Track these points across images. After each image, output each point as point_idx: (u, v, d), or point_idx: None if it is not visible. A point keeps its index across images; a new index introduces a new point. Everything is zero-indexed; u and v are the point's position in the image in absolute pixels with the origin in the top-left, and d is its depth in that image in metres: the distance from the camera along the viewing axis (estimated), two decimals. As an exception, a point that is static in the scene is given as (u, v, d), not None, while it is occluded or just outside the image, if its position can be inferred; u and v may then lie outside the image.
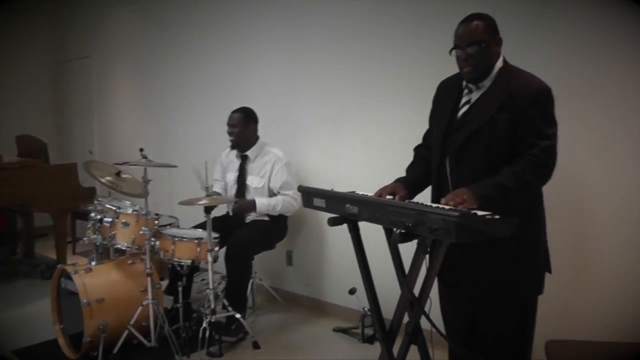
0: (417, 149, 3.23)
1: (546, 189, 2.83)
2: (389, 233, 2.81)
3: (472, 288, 2.90)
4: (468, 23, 2.79)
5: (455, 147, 2.83)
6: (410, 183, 3.02)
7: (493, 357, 2.90)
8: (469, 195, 2.49)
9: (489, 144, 2.72)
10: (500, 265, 2.76)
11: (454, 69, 2.93)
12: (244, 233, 4.81)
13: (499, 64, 2.81)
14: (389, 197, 2.85)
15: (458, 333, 3.10)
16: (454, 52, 2.84)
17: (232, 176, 5.17)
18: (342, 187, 3.11)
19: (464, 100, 2.88)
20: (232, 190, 5.15)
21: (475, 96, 2.84)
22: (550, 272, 2.93)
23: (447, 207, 2.45)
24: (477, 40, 2.75)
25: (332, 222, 2.94)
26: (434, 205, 2.54)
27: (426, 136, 3.21)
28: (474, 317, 3.01)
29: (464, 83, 2.89)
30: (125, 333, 4.18)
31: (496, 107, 2.71)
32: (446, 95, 3.01)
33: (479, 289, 2.87)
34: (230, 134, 5.04)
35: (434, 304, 2.76)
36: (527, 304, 2.89)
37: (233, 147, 5.10)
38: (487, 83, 2.81)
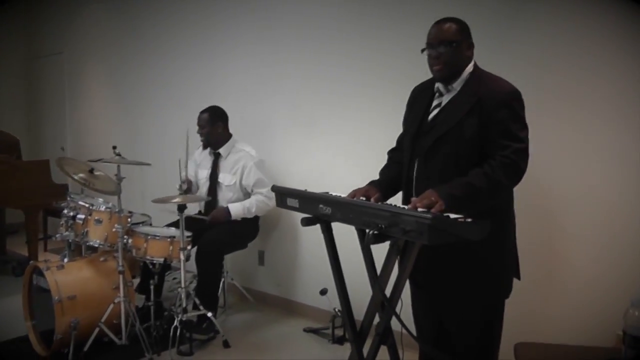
0: (391, 152, 3.26)
1: (517, 193, 2.87)
2: (361, 234, 2.85)
3: (440, 290, 2.94)
4: (441, 24, 2.85)
5: (423, 150, 2.85)
6: (384, 185, 3.04)
7: (460, 357, 2.94)
8: (436, 196, 2.52)
9: (456, 148, 2.75)
10: (467, 268, 2.79)
11: (428, 74, 2.97)
12: (216, 232, 4.82)
13: (470, 68, 2.85)
14: (362, 199, 2.88)
15: (428, 334, 3.13)
16: (426, 52, 2.88)
17: (204, 173, 5.19)
18: (315, 188, 3.14)
19: (434, 103, 2.92)
20: (205, 187, 5.17)
21: (445, 99, 2.87)
22: (519, 278, 2.98)
23: (419, 209, 2.49)
24: (448, 40, 2.79)
25: (305, 222, 2.97)
26: (407, 207, 2.58)
27: (400, 139, 3.23)
28: (442, 318, 3.05)
29: (436, 86, 2.93)
30: (97, 330, 4.18)
31: (465, 111, 2.74)
32: (419, 99, 3.04)
33: (446, 292, 2.91)
34: (200, 134, 5.10)
35: (404, 305, 2.79)
36: (492, 306, 2.91)
37: (204, 146, 5.16)
38: (457, 87, 2.84)
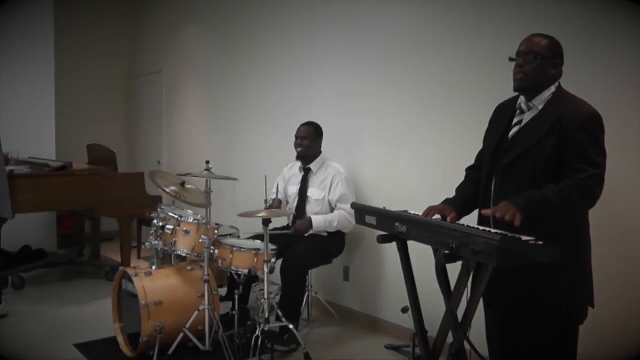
0: (469, 169, 3.26)
1: (592, 216, 2.82)
2: (436, 253, 2.85)
3: (513, 312, 2.90)
4: (533, 36, 2.86)
5: (501, 168, 2.85)
6: (459, 203, 3.05)
7: None
8: (514, 209, 2.50)
9: (534, 167, 2.73)
10: (540, 291, 2.75)
11: (512, 93, 2.98)
12: (301, 247, 4.87)
13: (553, 88, 2.83)
14: (436, 216, 2.88)
15: (500, 357, 3.10)
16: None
17: (294, 188, 5.26)
18: (398, 206, 3.16)
19: (515, 120, 2.91)
20: (294, 202, 5.23)
21: (526, 118, 2.86)
22: (592, 306, 2.90)
23: (492, 230, 2.48)
24: (534, 51, 2.80)
25: (381, 240, 3.01)
26: (480, 227, 2.57)
27: (479, 156, 3.22)
28: (515, 342, 3.00)
29: (518, 103, 2.92)
30: (181, 335, 4.30)
31: (545, 130, 2.72)
32: (501, 116, 3.04)
33: (518, 314, 2.87)
34: (299, 145, 5.16)
35: (476, 326, 2.77)
36: (565, 331, 2.86)
37: (299, 157, 5.20)
38: (539, 105, 2.82)
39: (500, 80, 3.81)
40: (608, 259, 3.41)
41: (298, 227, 4.96)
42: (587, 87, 3.28)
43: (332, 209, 5.09)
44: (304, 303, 5.09)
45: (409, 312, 4.42)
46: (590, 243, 2.88)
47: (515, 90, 2.89)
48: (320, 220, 4.98)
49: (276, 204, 5.13)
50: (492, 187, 2.89)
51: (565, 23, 3.72)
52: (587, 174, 2.61)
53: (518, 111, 2.91)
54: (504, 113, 3.02)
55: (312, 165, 5.18)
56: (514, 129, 2.89)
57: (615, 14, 3.54)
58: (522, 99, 2.91)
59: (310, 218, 4.99)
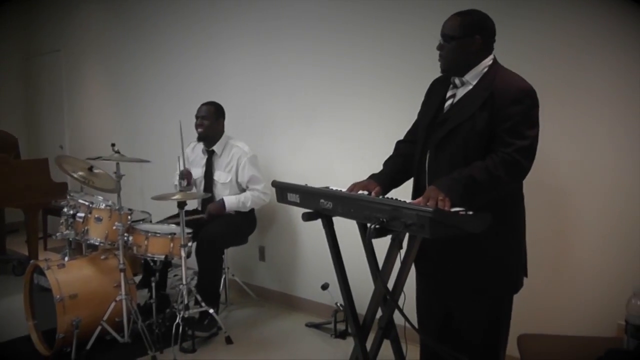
0: (399, 143, 3.23)
1: (527, 185, 2.87)
2: (363, 228, 2.86)
3: (448, 281, 2.93)
4: (449, 19, 2.86)
5: (435, 142, 2.85)
6: (386, 179, 3.04)
7: (465, 351, 2.91)
8: (442, 195, 2.53)
9: (467, 141, 2.74)
10: (476, 261, 2.79)
11: (433, 67, 2.99)
12: (214, 227, 4.80)
13: (487, 61, 2.84)
14: (362, 192, 2.88)
15: (431, 326, 3.12)
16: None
17: (199, 172, 5.15)
18: (315, 183, 3.13)
19: (448, 94, 2.92)
20: (200, 186, 5.14)
21: (460, 93, 2.87)
22: (526, 275, 2.97)
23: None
24: (445, 34, 2.83)
25: (307, 217, 2.98)
26: (408, 201, 2.59)
27: (410, 131, 3.21)
28: (447, 311, 3.04)
29: (452, 78, 2.92)
30: (99, 329, 4.19)
31: (478, 105, 2.73)
32: (435, 91, 3.04)
33: (454, 282, 2.91)
34: (199, 125, 5.02)
35: (407, 298, 2.80)
36: (500, 300, 2.90)
37: (200, 139, 5.07)
38: (472, 80, 2.83)
39: (413, 55, 3.83)
40: (536, 222, 3.49)
41: (212, 211, 4.88)
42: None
43: (242, 191, 5.04)
44: (221, 286, 5.04)
45: (329, 288, 4.49)
46: (524, 214, 2.93)
47: (442, 72, 2.92)
48: (233, 201, 4.93)
49: (187, 172, 4.98)
50: (427, 161, 2.90)
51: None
52: (514, 148, 2.63)
53: (452, 85, 2.92)
54: (439, 87, 3.02)
55: (216, 147, 5.07)
56: (448, 103, 2.90)
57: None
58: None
59: (222, 200, 4.93)
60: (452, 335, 3.03)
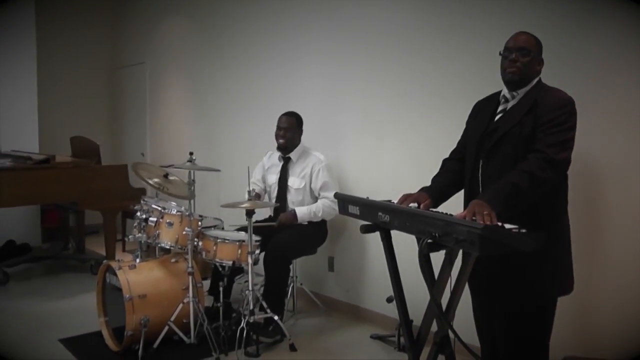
0: (445, 161, 3.38)
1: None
2: (420, 242, 2.88)
3: (501, 297, 2.96)
4: (521, 34, 3.03)
5: (487, 151, 2.96)
6: (436, 192, 3.14)
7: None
8: (489, 208, 2.55)
9: (516, 146, 2.86)
10: (520, 278, 2.83)
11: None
12: (284, 237, 4.85)
13: (534, 81, 2.99)
14: (412, 205, 2.92)
15: (489, 340, 3.17)
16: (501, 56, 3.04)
17: (274, 178, 5.24)
18: (382, 197, 3.17)
19: (500, 108, 3.04)
20: (274, 192, 5.22)
21: (510, 105, 3.00)
22: (567, 292, 3.01)
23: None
24: (526, 48, 2.96)
25: (365, 230, 3.03)
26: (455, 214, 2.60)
27: (456, 150, 3.36)
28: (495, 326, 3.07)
29: (502, 95, 3.06)
30: (166, 329, 4.29)
31: (524, 112, 2.88)
32: (483, 109, 3.17)
33: (506, 296, 2.93)
34: (281, 136, 5.10)
35: (462, 312, 2.79)
36: (546, 303, 2.97)
37: (281, 148, 5.16)
38: (521, 94, 2.97)
39: (480, 72, 3.85)
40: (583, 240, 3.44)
41: (283, 221, 4.94)
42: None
43: (315, 198, 5.09)
44: (288, 294, 5.10)
45: (394, 301, 4.48)
46: (569, 227, 3.01)
47: (507, 81, 3.01)
48: (304, 212, 4.98)
49: (256, 198, 5.11)
50: (480, 170, 2.99)
51: (545, 20, 3.75)
52: (548, 144, 2.76)
53: (502, 100, 3.06)
54: (486, 106, 3.16)
55: (292, 155, 5.16)
56: (498, 116, 3.03)
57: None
58: (505, 90, 3.06)
59: (294, 210, 4.98)
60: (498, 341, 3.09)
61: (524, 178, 2.70)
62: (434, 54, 4.60)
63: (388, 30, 4.95)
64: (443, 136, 4.46)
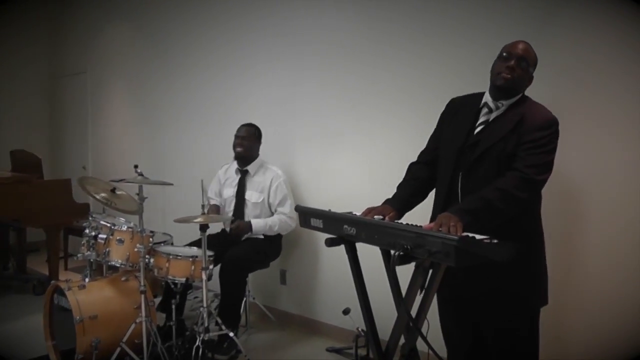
0: (411, 166, 3.32)
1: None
2: (386, 255, 2.85)
3: (474, 299, 2.98)
4: (525, 43, 2.98)
5: (468, 164, 2.92)
6: (400, 203, 3.11)
7: None
8: (455, 219, 2.54)
9: (498, 163, 2.84)
10: (504, 274, 2.78)
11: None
12: (239, 251, 4.81)
13: (520, 95, 2.98)
14: (377, 217, 2.89)
15: (461, 349, 3.18)
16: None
17: (230, 191, 5.19)
18: (337, 208, 3.12)
19: (481, 119, 3.00)
20: (231, 205, 5.16)
21: (493, 116, 2.97)
22: (546, 303, 3.04)
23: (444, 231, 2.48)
24: (526, 59, 2.94)
25: (330, 243, 2.97)
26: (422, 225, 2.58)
27: (425, 152, 3.30)
28: (477, 331, 3.10)
29: (483, 102, 3.01)
30: (118, 350, 4.15)
31: (509, 128, 2.85)
32: (462, 114, 3.10)
33: (481, 299, 2.95)
34: (239, 145, 5.08)
35: (431, 325, 2.77)
36: (533, 315, 3.00)
37: (238, 158, 5.13)
38: (505, 105, 2.94)
39: (437, 78, 3.83)
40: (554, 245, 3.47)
41: (239, 226, 4.88)
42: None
43: (272, 213, 5.05)
44: (242, 309, 5.01)
45: (350, 313, 4.44)
46: (543, 241, 3.04)
47: (498, 87, 2.94)
48: (260, 224, 4.93)
49: (214, 210, 5.05)
50: (460, 184, 2.95)
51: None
52: (527, 164, 2.76)
53: (486, 110, 3.00)
54: (466, 110, 3.09)
55: (250, 168, 5.12)
56: (480, 127, 2.98)
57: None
58: (487, 97, 3.02)
59: (250, 221, 4.93)
60: (485, 351, 3.10)
61: (498, 195, 2.70)
62: (388, 62, 4.60)
63: (340, 39, 4.94)
64: (399, 145, 4.49)
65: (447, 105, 3.24)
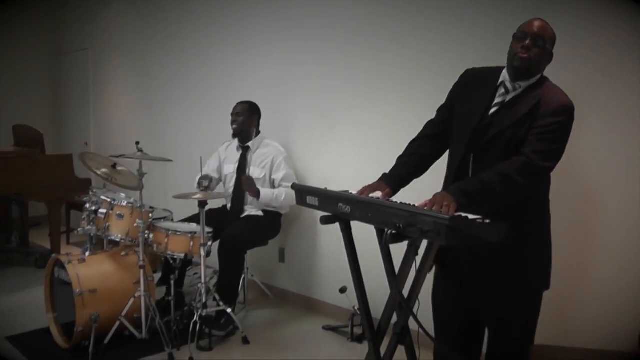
0: (412, 142, 3.19)
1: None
2: (380, 233, 2.84)
3: (475, 284, 2.94)
4: (541, 21, 2.84)
5: (480, 146, 2.84)
6: (395, 180, 3.02)
7: (496, 352, 2.98)
8: (449, 198, 2.53)
9: (509, 146, 2.76)
10: (507, 261, 2.79)
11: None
12: (238, 228, 4.84)
13: (539, 75, 2.86)
14: (372, 195, 2.88)
15: (450, 330, 3.14)
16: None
17: (231, 167, 5.22)
18: (336, 187, 3.13)
19: (497, 100, 2.88)
20: (231, 181, 5.19)
21: (509, 97, 2.86)
22: (548, 288, 2.98)
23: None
24: (544, 38, 2.79)
25: (325, 221, 2.97)
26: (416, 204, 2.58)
27: (432, 122, 3.19)
28: (471, 315, 3.05)
29: (501, 81, 2.90)
30: (117, 324, 4.22)
31: (524, 112, 2.75)
32: (478, 91, 2.99)
33: (482, 286, 2.92)
34: (233, 122, 5.12)
35: (422, 305, 2.79)
36: (534, 299, 2.94)
37: (235, 135, 5.16)
38: (523, 87, 2.84)
39: (433, 59, 3.83)
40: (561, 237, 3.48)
41: (247, 184, 4.87)
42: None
43: (273, 188, 5.08)
44: (240, 286, 5.06)
45: (347, 292, 4.49)
46: (550, 219, 2.96)
47: (516, 67, 2.82)
48: (268, 193, 4.95)
49: (209, 181, 5.01)
50: (471, 164, 2.88)
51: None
52: (535, 149, 2.66)
53: (503, 90, 2.89)
54: (482, 87, 2.98)
55: (251, 144, 5.14)
56: (495, 108, 2.88)
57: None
58: (505, 76, 2.89)
59: (259, 189, 4.92)
60: (473, 340, 3.08)
61: (498, 179, 2.63)
62: (384, 41, 4.60)
63: (337, 19, 4.94)
64: (395, 123, 4.49)
65: (462, 77, 3.10)
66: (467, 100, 3.00)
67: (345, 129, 4.97)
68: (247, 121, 5.12)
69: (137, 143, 4.43)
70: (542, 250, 2.91)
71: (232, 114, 5.15)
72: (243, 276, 5.19)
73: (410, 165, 3.11)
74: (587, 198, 3.67)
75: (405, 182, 3.09)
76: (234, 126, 5.13)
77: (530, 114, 2.74)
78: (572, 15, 3.63)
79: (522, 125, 2.74)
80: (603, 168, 3.60)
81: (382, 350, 2.87)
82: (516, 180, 2.64)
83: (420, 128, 3.20)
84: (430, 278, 3.01)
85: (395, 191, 3.00)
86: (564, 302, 3.70)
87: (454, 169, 2.97)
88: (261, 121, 5.28)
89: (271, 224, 5.13)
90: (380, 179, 3.05)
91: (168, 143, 6.82)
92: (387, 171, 3.10)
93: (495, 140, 2.80)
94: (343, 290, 4.57)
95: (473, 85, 3.02)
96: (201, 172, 4.56)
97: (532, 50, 2.78)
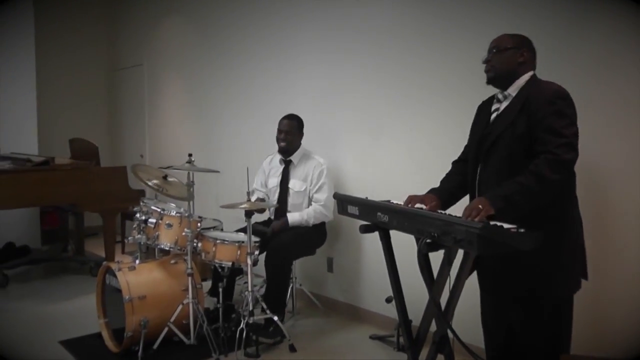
0: (455, 163, 3.34)
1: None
2: (418, 242, 2.88)
3: (509, 295, 2.95)
4: (499, 36, 3.06)
5: (483, 154, 2.94)
6: (445, 194, 3.11)
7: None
8: (485, 202, 2.54)
9: (510, 147, 2.83)
10: (527, 275, 2.79)
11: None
12: (284, 238, 4.89)
13: (527, 77, 2.96)
14: (418, 206, 2.91)
15: (496, 338, 3.15)
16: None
17: (275, 181, 5.27)
18: (380, 197, 3.17)
19: (493, 108, 3.04)
20: (275, 194, 5.25)
21: (503, 106, 2.98)
22: (586, 278, 2.97)
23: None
24: (496, 46, 3.00)
25: (364, 230, 3.04)
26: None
27: (463, 152, 3.33)
28: (508, 328, 3.05)
29: (495, 95, 3.06)
30: (166, 330, 4.30)
31: (516, 111, 2.86)
32: (482, 112, 3.16)
33: (508, 294, 2.93)
34: (282, 140, 5.16)
35: (461, 312, 2.79)
36: (559, 305, 2.92)
37: (282, 151, 5.20)
38: (513, 93, 2.96)
39: (479, 70, 3.84)
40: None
41: (275, 228, 4.99)
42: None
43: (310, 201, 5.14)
44: (288, 295, 5.10)
45: (393, 302, 4.49)
46: (579, 222, 2.96)
47: (487, 83, 3.04)
48: (296, 218, 5.02)
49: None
50: (478, 174, 2.99)
51: (544, 20, 3.76)
52: (553, 145, 2.70)
53: (495, 101, 3.05)
54: (486, 107, 3.15)
55: (293, 158, 5.20)
56: (493, 116, 3.02)
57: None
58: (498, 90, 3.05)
59: (286, 218, 5.03)
60: (516, 353, 3.05)
61: (533, 179, 2.67)
62: (431, 52, 4.60)
63: (384, 28, 4.96)
64: (440, 135, 4.50)
65: (477, 109, 3.28)
66: (476, 123, 3.19)
67: (391, 139, 4.97)
68: (295, 139, 5.19)
69: (190, 155, 4.54)
70: (572, 250, 2.91)
71: (280, 131, 5.18)
72: (292, 285, 5.24)
73: (455, 181, 3.24)
74: (607, 196, 3.61)
75: (454, 197, 3.17)
76: (282, 144, 5.16)
77: (523, 110, 2.83)
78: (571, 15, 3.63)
79: (517, 123, 2.83)
80: (615, 167, 3.54)
81: (422, 359, 2.89)
82: (549, 177, 2.68)
83: (465, 141, 3.31)
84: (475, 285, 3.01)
85: (445, 204, 3.07)
86: (590, 308, 3.59)
87: (469, 181, 3.06)
88: (307, 132, 5.33)
89: (317, 233, 5.17)
90: (428, 191, 3.12)
91: (220, 154, 6.94)
92: (433, 185, 3.18)
93: (497, 145, 2.89)
94: (389, 299, 4.55)
95: (481, 111, 3.20)
96: (248, 183, 4.62)
97: (491, 61, 2.99)
